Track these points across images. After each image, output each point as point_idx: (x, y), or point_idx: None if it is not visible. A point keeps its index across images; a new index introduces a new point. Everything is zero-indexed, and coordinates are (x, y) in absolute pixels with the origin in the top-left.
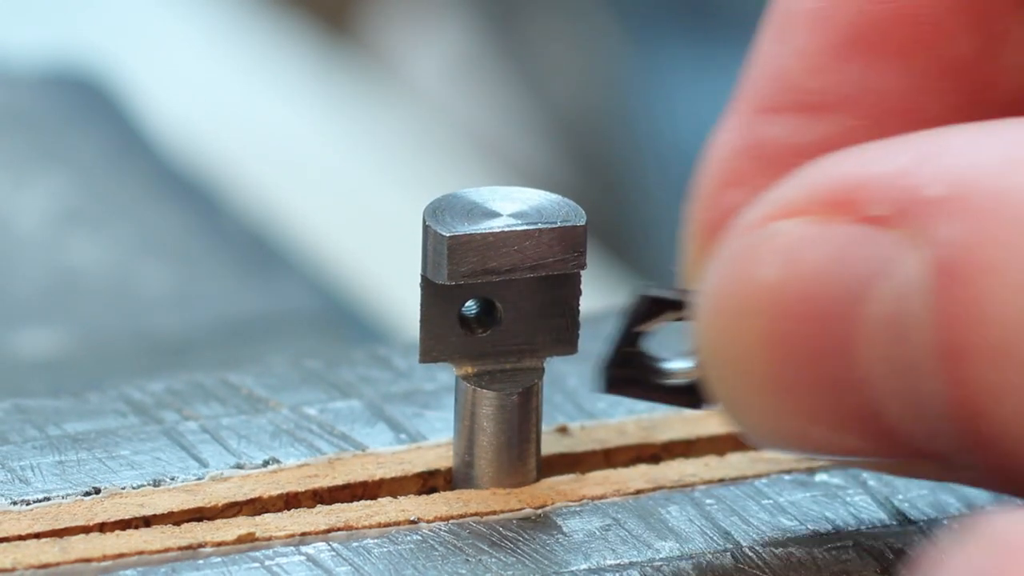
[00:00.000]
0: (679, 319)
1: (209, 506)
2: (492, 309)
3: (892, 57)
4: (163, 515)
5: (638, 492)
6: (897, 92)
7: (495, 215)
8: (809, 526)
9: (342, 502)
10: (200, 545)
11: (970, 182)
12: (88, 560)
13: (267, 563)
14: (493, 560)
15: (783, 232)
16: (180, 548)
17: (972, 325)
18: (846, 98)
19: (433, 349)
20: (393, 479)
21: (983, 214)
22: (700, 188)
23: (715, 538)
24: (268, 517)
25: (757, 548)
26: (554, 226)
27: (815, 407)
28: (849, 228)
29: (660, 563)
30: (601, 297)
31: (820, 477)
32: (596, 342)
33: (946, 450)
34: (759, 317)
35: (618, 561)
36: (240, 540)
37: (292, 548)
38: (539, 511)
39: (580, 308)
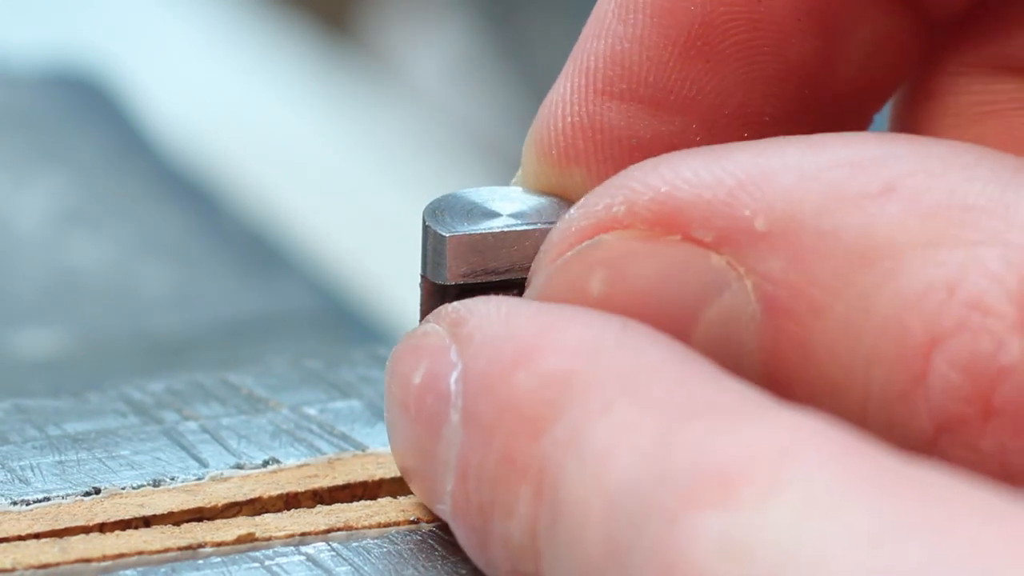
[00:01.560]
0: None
1: (209, 506)
2: None
3: (731, 61)
4: (163, 515)
5: None
6: (735, 96)
7: (495, 215)
8: None
9: (342, 502)
10: (200, 545)
11: (792, 218)
12: (88, 560)
13: (267, 563)
14: None
15: (607, 246)
16: (180, 548)
17: (800, 361)
18: (685, 98)
19: None
20: (393, 479)
21: (806, 255)
22: (542, 158)
23: None
24: (268, 517)
25: None
26: (554, 226)
27: None
28: (674, 248)
29: None
30: None
31: None
32: None
33: None
34: None
35: None
36: (240, 540)
37: (292, 548)
38: None
39: None
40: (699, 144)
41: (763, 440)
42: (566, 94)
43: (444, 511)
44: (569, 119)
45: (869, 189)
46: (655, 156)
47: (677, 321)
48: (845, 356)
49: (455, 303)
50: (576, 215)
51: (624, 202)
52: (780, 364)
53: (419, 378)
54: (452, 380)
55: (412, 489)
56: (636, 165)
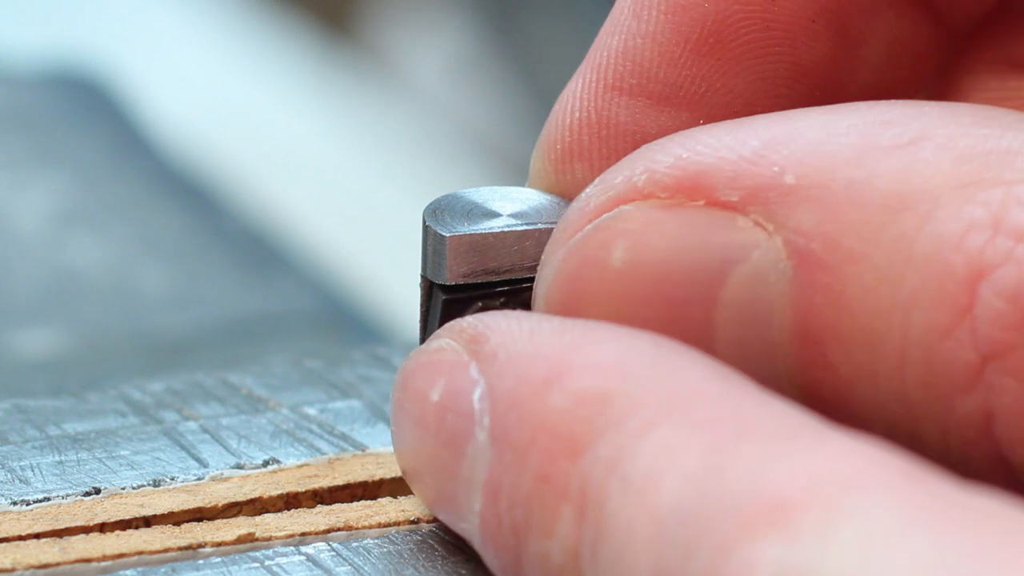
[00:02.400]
0: (490, 307)
1: (209, 506)
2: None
3: (742, 60)
4: (163, 515)
5: None
6: (744, 95)
7: (495, 215)
8: None
9: (342, 502)
10: (200, 545)
11: (823, 170)
12: (88, 560)
13: (267, 563)
14: None
15: (627, 216)
16: (180, 548)
17: (834, 315)
18: (694, 95)
19: None
20: (393, 479)
21: (839, 204)
22: (545, 155)
23: None
24: (268, 517)
25: None
26: (554, 226)
27: None
28: (697, 213)
29: None
30: None
31: None
32: None
33: None
34: (608, 303)
35: None
36: (240, 540)
37: (292, 548)
38: None
39: None
40: None
41: (821, 467)
42: (577, 90)
43: (469, 530)
44: (577, 114)
45: (901, 139)
46: None
47: (702, 287)
48: (884, 302)
49: (469, 318)
50: (593, 192)
51: (644, 171)
52: (813, 321)
53: (438, 395)
54: (475, 398)
55: (419, 496)
56: (651, 143)
